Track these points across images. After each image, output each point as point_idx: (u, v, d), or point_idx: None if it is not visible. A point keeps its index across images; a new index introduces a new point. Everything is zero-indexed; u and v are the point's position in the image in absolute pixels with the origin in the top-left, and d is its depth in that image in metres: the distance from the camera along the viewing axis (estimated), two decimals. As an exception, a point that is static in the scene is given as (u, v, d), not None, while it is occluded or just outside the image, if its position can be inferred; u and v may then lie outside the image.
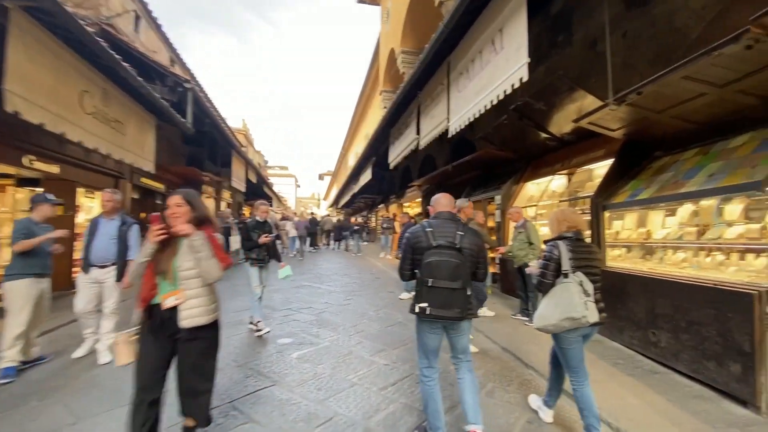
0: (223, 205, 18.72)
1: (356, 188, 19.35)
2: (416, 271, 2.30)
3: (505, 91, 4.80)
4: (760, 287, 2.69)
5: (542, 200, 6.78)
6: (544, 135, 6.55)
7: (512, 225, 7.22)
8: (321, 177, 63.99)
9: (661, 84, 3.35)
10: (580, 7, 5.81)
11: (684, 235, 3.85)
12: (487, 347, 4.20)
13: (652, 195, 3.94)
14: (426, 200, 12.84)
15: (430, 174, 10.60)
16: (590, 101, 5.46)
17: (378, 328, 4.78)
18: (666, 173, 4.13)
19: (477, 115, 5.55)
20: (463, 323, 2.29)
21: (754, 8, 3.81)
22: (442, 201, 2.48)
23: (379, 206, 21.16)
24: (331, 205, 41.24)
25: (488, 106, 5.23)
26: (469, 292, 2.22)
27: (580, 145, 6.00)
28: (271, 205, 28.91)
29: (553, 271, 2.35)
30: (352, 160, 30.96)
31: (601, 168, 5.69)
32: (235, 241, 9.22)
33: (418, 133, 8.68)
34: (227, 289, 7.17)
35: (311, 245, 17.84)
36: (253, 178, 19.35)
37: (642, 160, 4.83)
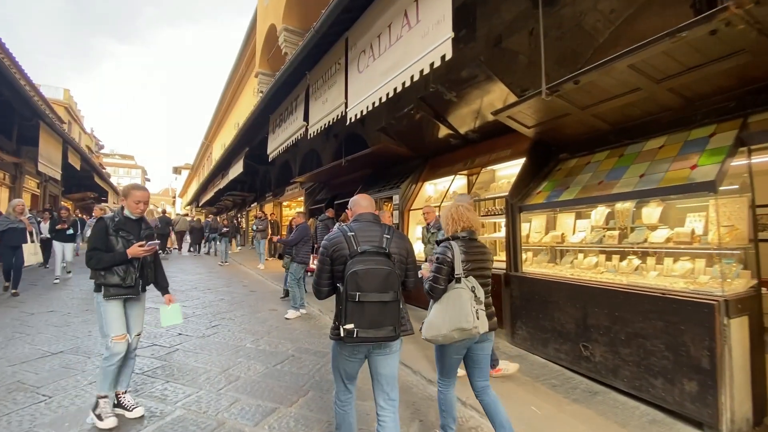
0: (26, 198, 13.75)
1: (223, 183, 16.70)
2: (338, 285, 1.91)
3: (421, 71, 4.09)
4: (717, 296, 2.47)
5: (440, 201, 6.35)
6: (446, 132, 6.15)
7: (418, 225, 6.70)
8: (177, 171, 55.45)
9: (604, 72, 3.04)
10: (485, 3, 5.56)
11: (605, 239, 3.70)
12: (409, 381, 3.33)
13: (576, 196, 3.69)
14: (309, 198, 11.57)
15: (318, 169, 9.45)
16: (496, 97, 5.20)
17: (262, 371, 3.42)
18: (582, 174, 3.97)
19: (384, 99, 4.74)
20: (394, 342, 1.95)
21: (661, 16, 3.96)
22: (361, 202, 2.18)
23: (252, 205, 18.80)
24: (190, 203, 35.71)
25: (399, 89, 4.46)
26: (402, 305, 1.94)
27: (483, 144, 5.76)
28: (106, 201, 23.03)
29: (446, 276, 2.14)
30: (217, 152, 27.16)
31: (505, 168, 5.52)
32: (31, 251, 6.28)
33: (306, 119, 7.46)
34: (6, 324, 4.63)
35: (161, 249, 14.73)
36: (77, 164, 14.87)
37: (548, 162, 4.72)
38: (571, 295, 3.47)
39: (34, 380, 3.09)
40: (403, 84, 4.38)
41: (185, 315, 5.35)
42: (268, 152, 9.72)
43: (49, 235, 7.88)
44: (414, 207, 6.68)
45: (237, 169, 13.28)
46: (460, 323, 2.02)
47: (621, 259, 3.66)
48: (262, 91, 14.43)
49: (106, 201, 22.17)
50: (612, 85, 3.24)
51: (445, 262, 2.14)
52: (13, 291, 6.42)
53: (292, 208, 14.82)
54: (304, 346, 4.08)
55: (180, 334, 4.41)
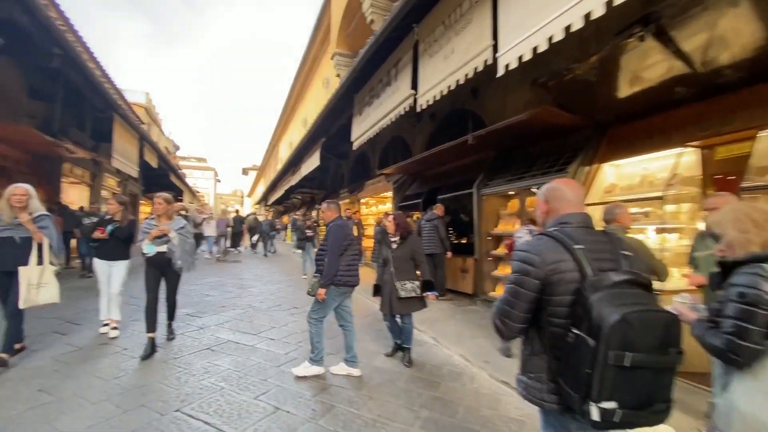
0: (105, 194, 13.59)
1: (295, 180, 15.57)
2: (578, 332, 1.12)
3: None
4: None
5: (642, 191, 4.06)
6: (664, 77, 3.85)
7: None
8: (245, 172, 57.60)
9: None
10: None
11: None
12: None
13: None
14: (398, 193, 9.70)
15: (424, 153, 7.43)
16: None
17: None
18: None
19: (582, 24, 2.71)
20: None
21: None
22: (567, 194, 1.34)
23: (322, 203, 17.57)
24: (258, 203, 36.15)
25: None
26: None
27: (744, 93, 3.40)
28: (182, 200, 23.37)
29: (763, 327, 1.18)
30: (283, 151, 26.75)
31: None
32: (35, 280, 3.33)
33: (414, 87, 5.57)
34: (11, 417, 3.17)
35: (232, 246, 14.62)
36: (154, 162, 14.52)
37: None
38: None
39: None
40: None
41: (276, 357, 3.71)
42: (353, 138, 8.00)
43: (89, 244, 4.98)
44: (590, 201, 4.47)
45: (312, 163, 11.88)
46: None
47: None
48: (338, 75, 12.97)
49: (182, 200, 22.36)
50: None
51: (760, 303, 1.17)
52: (2, 355, 3.25)
53: (369, 206, 13.18)
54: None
55: (277, 409, 2.69)
